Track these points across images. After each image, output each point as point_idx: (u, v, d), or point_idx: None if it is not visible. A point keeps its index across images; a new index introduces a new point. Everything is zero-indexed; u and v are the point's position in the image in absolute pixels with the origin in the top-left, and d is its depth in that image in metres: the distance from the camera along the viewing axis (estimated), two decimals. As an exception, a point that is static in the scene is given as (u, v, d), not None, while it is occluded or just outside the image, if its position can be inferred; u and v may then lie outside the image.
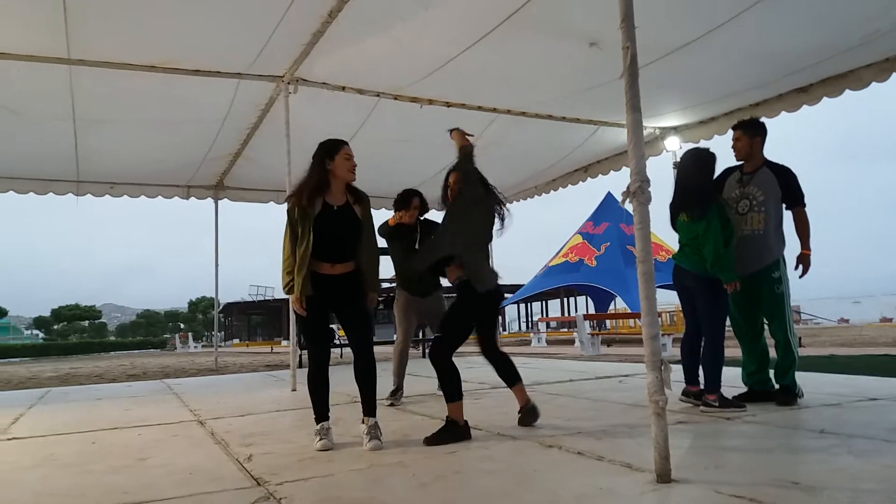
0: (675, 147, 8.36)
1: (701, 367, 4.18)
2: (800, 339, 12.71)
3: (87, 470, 3.17)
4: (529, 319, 43.94)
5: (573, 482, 2.48)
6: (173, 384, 8.20)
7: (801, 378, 4.41)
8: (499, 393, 5.39)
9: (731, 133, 7.29)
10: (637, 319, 17.62)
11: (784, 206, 4.36)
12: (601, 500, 2.21)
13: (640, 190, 2.40)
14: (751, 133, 4.47)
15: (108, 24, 5.09)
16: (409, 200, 5.25)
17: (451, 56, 5.83)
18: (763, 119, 7.06)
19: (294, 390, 6.26)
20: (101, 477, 3.00)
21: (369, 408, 3.50)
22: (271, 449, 3.46)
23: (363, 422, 3.48)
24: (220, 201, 10.42)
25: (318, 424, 3.49)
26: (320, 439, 3.40)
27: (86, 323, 79.69)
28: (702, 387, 4.12)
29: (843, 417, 3.65)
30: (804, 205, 4.35)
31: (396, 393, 5.16)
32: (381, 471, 2.86)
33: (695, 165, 4.26)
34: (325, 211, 3.44)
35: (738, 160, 4.56)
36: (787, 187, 4.33)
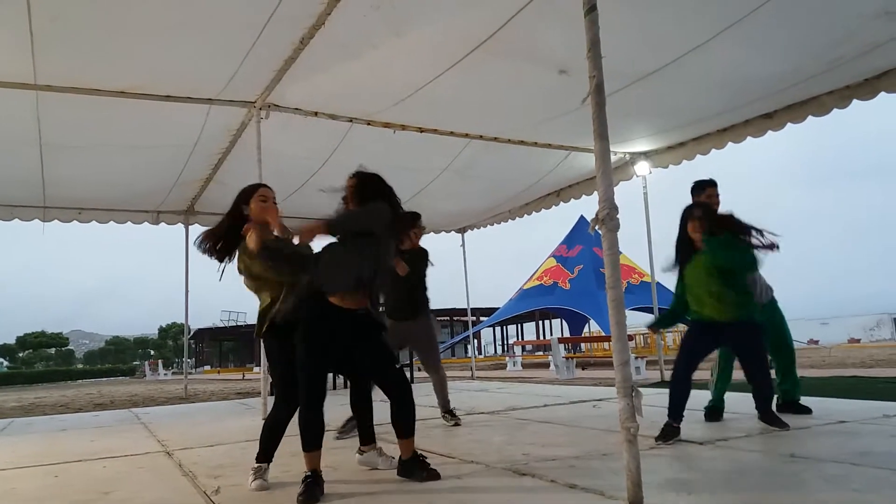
0: (646, 172, 8.49)
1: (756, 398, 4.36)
2: (770, 360, 12.88)
3: (50, 505, 3.07)
4: (505, 343, 43.94)
5: (547, 511, 2.46)
6: (141, 413, 8.00)
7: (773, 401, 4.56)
8: (474, 419, 5.37)
9: (698, 158, 7.46)
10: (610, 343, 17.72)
11: None
12: (574, 530, 2.20)
13: (608, 217, 2.43)
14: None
15: (76, 50, 5.03)
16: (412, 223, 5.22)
17: (424, 82, 5.87)
18: (729, 144, 7.25)
19: (265, 419, 6.14)
20: (61, 513, 2.90)
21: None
22: (240, 481, 3.37)
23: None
24: (191, 226, 10.28)
25: (259, 463, 3.29)
26: (256, 478, 3.21)
27: (52, 350, 77.70)
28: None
29: (813, 441, 3.69)
30: None
31: (346, 424, 4.83)
32: (352, 502, 2.81)
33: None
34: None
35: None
36: None
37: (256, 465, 3.28)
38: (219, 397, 10.88)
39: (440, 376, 5.34)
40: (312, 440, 3.03)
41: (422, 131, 7.18)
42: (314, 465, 3.01)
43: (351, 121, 6.85)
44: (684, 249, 4.33)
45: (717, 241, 4.14)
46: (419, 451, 3.22)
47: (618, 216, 2.45)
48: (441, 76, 5.71)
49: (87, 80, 5.54)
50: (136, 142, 7.07)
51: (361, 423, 3.59)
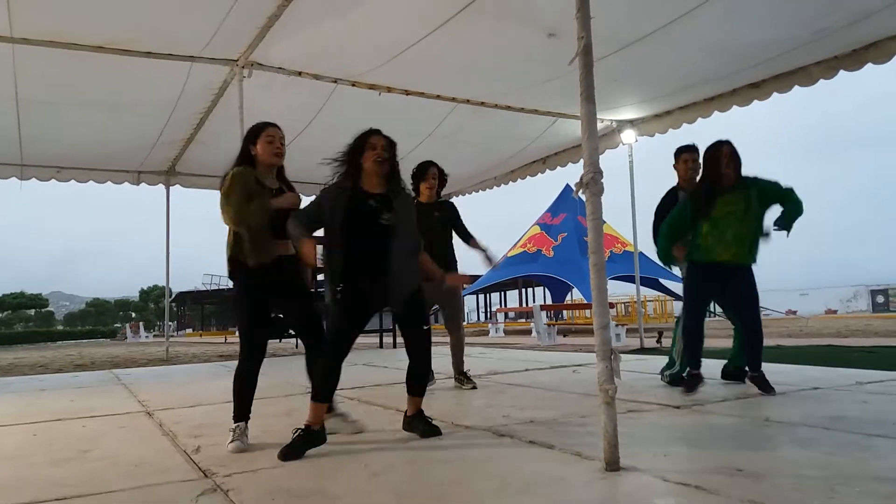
0: (632, 140, 8.47)
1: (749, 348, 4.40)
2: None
3: (27, 463, 3.06)
4: (489, 310, 44.22)
5: (523, 470, 2.49)
6: (122, 375, 7.99)
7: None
8: (451, 382, 5.40)
9: (684, 127, 7.43)
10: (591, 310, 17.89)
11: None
12: (550, 488, 2.23)
13: (592, 181, 2.41)
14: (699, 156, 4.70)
15: (54, 2, 4.89)
16: (424, 172, 5.13)
17: (410, 43, 5.77)
18: (716, 113, 7.24)
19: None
20: (41, 470, 2.89)
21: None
22: (220, 440, 3.37)
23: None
24: (172, 187, 10.15)
25: (236, 423, 3.23)
26: (234, 440, 3.14)
27: (32, 312, 77.09)
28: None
29: (787, 406, 3.76)
30: None
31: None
32: (331, 462, 2.83)
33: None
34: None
35: (686, 179, 4.88)
36: None
37: (234, 426, 3.23)
38: (200, 360, 10.87)
39: (460, 336, 5.27)
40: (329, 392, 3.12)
41: (408, 94, 7.08)
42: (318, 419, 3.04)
43: (335, 81, 6.74)
44: (709, 189, 4.27)
45: (761, 180, 4.23)
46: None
47: (602, 181, 2.43)
48: (428, 37, 5.61)
49: (65, 33, 5.39)
50: (115, 99, 6.92)
51: None
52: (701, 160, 4.48)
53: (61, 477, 2.74)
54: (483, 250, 5.30)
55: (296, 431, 3.00)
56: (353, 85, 6.79)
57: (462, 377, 5.18)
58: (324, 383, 3.09)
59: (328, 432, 3.10)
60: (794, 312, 34.22)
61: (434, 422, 3.33)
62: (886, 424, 3.06)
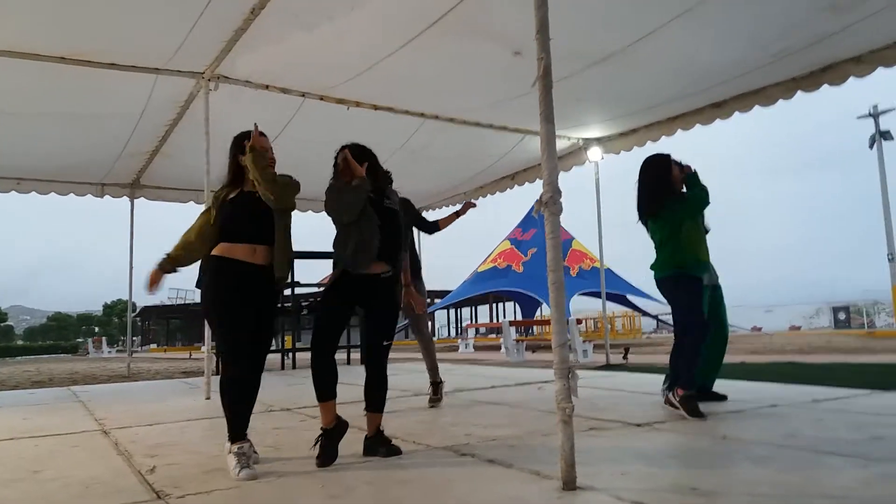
0: (598, 157, 8.59)
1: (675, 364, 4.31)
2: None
3: (-28, 485, 2.96)
4: (459, 325, 44.17)
5: (483, 491, 2.48)
6: (80, 391, 7.78)
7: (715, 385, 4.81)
8: (421, 401, 5.38)
9: (649, 145, 7.57)
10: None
11: None
12: (508, 509, 2.22)
13: (551, 200, 2.43)
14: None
15: (14, 11, 4.79)
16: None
17: (379, 58, 5.79)
18: (679, 131, 7.39)
19: (208, 398, 6.05)
20: (-13, 492, 2.80)
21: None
22: (177, 460, 3.32)
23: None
24: (136, 200, 9.99)
25: (237, 443, 2.95)
26: (241, 467, 2.85)
27: (-11, 326, 74.99)
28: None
29: (744, 423, 3.81)
30: None
31: None
32: (289, 482, 2.78)
33: (649, 170, 4.52)
34: (240, 196, 3.20)
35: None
36: None
37: (236, 447, 2.91)
38: (163, 376, 10.66)
39: (424, 340, 5.34)
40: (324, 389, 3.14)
41: (376, 108, 7.09)
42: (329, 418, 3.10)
43: (303, 95, 6.72)
44: (665, 195, 4.37)
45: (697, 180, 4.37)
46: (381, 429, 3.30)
47: (561, 200, 2.46)
48: (397, 52, 5.64)
49: (25, 43, 5.29)
50: (77, 110, 6.81)
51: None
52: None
53: (10, 498, 2.66)
54: (457, 215, 5.46)
55: (317, 440, 3.09)
56: (322, 99, 6.78)
57: (434, 387, 5.20)
58: (317, 383, 3.15)
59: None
60: (760, 329, 34.86)
61: (395, 441, 3.30)
62: (839, 442, 3.12)
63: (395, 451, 3.21)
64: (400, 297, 3.51)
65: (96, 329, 76.95)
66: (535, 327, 23.52)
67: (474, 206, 5.65)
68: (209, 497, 2.58)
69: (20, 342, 70.46)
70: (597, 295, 20.56)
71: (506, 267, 22.98)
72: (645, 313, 27.71)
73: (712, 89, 6.54)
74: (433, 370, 5.28)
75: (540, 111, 2.50)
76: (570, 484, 2.36)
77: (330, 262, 3.32)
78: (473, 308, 44.04)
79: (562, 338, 2.41)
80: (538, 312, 26.73)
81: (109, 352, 38.97)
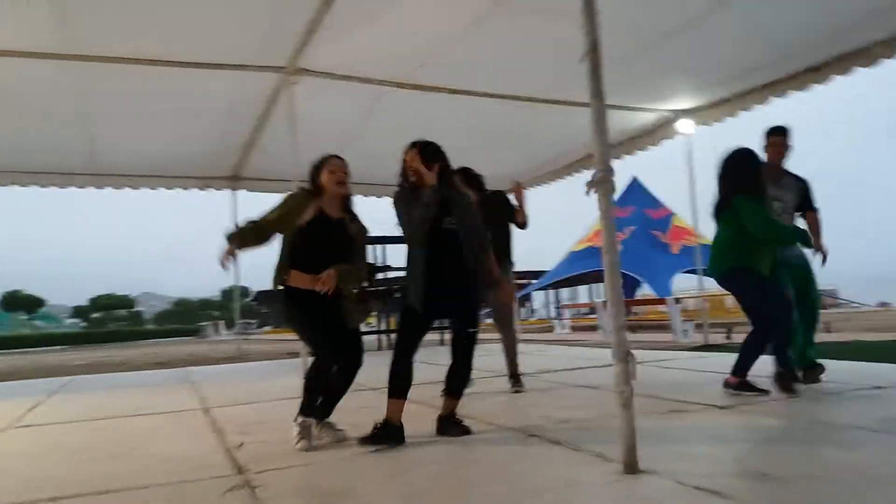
0: (689, 130, 8.20)
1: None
2: (828, 324, 12.39)
3: (87, 458, 3.28)
4: (558, 306, 43.74)
5: (542, 472, 2.49)
6: (193, 372, 8.38)
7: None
8: (504, 381, 5.40)
9: (742, 115, 7.17)
10: (662, 305, 17.41)
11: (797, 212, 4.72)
12: (563, 491, 2.22)
13: (603, 179, 2.38)
14: (790, 140, 4.66)
15: (106, 17, 5.14)
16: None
17: (449, 42, 5.79)
18: (773, 99, 6.92)
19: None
20: (97, 465, 3.09)
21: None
22: (264, 437, 3.53)
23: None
24: (237, 192, 10.52)
25: (305, 417, 3.29)
26: (301, 438, 3.21)
27: (124, 311, 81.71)
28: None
29: (839, 406, 3.59)
30: (818, 210, 4.74)
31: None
32: (363, 461, 2.90)
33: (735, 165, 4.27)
34: (318, 219, 3.37)
35: (774, 163, 4.64)
36: (806, 196, 4.72)
37: (300, 419, 3.27)
38: (270, 357, 11.25)
39: (511, 335, 5.15)
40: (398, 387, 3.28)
41: (454, 93, 7.09)
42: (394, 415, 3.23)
43: (381, 84, 6.82)
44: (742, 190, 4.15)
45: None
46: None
47: (613, 178, 2.39)
48: (464, 35, 5.60)
49: (119, 49, 5.67)
50: (173, 110, 7.21)
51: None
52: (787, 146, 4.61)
53: (112, 472, 2.93)
54: (521, 209, 5.30)
55: (375, 426, 3.21)
56: (400, 87, 6.85)
57: (512, 379, 5.02)
58: (393, 381, 3.29)
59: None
60: (887, 304, 32.30)
61: (468, 421, 3.36)
62: (942, 427, 2.88)
63: (465, 431, 3.28)
64: (482, 289, 3.50)
65: (216, 313, 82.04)
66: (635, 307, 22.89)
67: (523, 187, 5.41)
68: (287, 472, 2.74)
69: (150, 326, 76.34)
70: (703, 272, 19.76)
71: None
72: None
73: (805, 53, 6.06)
74: (512, 363, 5.09)
75: (590, 87, 2.44)
76: (630, 467, 2.33)
77: None
78: (574, 289, 43.40)
79: (619, 320, 2.36)
80: (638, 291, 25.98)
81: (227, 334, 41.47)
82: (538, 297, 44.76)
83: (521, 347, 5.36)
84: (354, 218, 3.54)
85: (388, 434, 3.18)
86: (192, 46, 5.75)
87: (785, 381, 3.95)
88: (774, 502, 1.99)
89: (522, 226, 5.37)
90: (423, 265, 3.22)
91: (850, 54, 5.92)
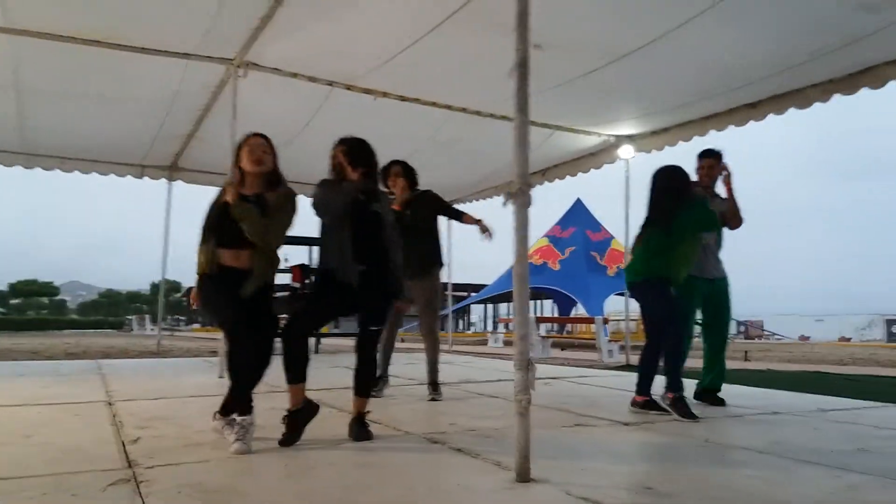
0: (629, 155, 8.41)
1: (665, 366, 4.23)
2: (746, 353, 12.86)
3: (-31, 445, 3.10)
4: (496, 320, 44.10)
5: (437, 478, 2.49)
6: (105, 365, 8.06)
7: (723, 390, 4.72)
8: (423, 389, 5.40)
9: (681, 145, 7.41)
10: (589, 324, 17.78)
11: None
12: (454, 496, 2.23)
13: (520, 192, 2.41)
14: (719, 162, 4.88)
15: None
16: (386, 171, 5.00)
17: (403, 48, 5.79)
18: (711, 132, 7.19)
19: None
20: (-24, 453, 2.93)
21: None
22: (164, 433, 3.41)
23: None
24: (174, 182, 10.24)
25: (242, 416, 3.05)
26: (238, 439, 2.97)
27: (46, 300, 78.08)
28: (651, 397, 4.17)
29: (735, 429, 3.72)
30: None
31: (379, 381, 4.78)
32: (257, 460, 2.83)
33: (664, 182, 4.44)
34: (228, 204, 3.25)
35: (704, 185, 4.86)
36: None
37: (240, 419, 3.02)
38: (191, 354, 10.95)
39: (432, 342, 5.04)
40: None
41: (403, 100, 7.09)
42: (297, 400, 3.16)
43: (331, 84, 6.77)
44: (677, 205, 4.31)
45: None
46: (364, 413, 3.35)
47: (530, 192, 2.43)
48: (420, 43, 5.60)
49: (61, 26, 5.47)
50: (113, 93, 7.00)
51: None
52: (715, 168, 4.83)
53: (-6, 461, 2.78)
54: (476, 222, 5.23)
55: (283, 419, 3.13)
56: (349, 88, 6.80)
57: (430, 387, 4.96)
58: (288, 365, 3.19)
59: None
60: (807, 338, 33.77)
61: (375, 426, 3.33)
62: (823, 452, 3.01)
63: (364, 437, 3.23)
64: (386, 288, 3.43)
65: (144, 307, 79.28)
66: (569, 325, 23.31)
67: (489, 235, 5.26)
68: (175, 468, 2.65)
69: (74, 316, 73.20)
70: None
71: (542, 264, 22.80)
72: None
73: (744, 89, 6.33)
74: (432, 372, 5.02)
75: (515, 102, 2.48)
76: (523, 476, 2.35)
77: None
78: (510, 304, 43.85)
79: (523, 329, 2.39)
80: (574, 311, 26.45)
81: (152, 329, 40.12)
82: (477, 311, 45.02)
83: (450, 358, 5.39)
84: (278, 188, 3.38)
85: (301, 418, 3.14)
86: (136, 30, 5.58)
87: (681, 406, 4.00)
88: (653, 515, 2.04)
89: (458, 218, 5.39)
90: (347, 241, 3.23)
91: (786, 94, 6.20)
